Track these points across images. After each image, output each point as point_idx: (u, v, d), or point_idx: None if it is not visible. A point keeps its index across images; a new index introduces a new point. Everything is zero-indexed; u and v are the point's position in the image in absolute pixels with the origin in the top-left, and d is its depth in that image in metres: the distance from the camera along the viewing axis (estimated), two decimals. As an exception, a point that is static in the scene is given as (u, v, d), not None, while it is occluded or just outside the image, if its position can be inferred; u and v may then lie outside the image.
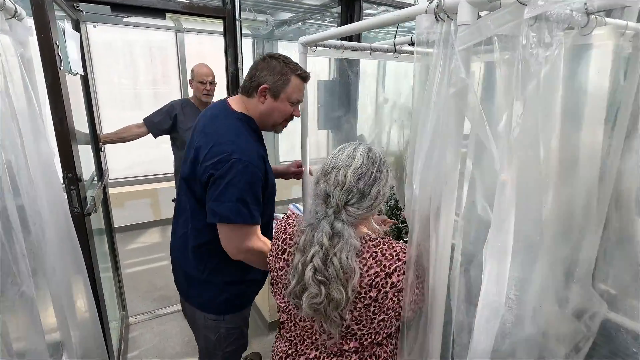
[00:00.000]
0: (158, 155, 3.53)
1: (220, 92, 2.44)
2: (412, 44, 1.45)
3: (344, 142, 0.87)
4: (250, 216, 1.06)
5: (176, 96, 3.95)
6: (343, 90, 2.56)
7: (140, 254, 3.33)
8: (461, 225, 0.78)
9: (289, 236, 0.88)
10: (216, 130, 1.11)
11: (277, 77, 1.12)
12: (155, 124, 2.33)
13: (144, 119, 2.34)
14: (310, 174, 1.50)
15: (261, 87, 1.12)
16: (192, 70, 2.37)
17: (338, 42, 1.39)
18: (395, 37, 1.54)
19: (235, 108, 1.17)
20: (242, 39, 2.11)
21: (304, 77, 1.18)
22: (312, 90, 2.47)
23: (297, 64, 1.17)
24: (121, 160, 3.70)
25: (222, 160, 1.03)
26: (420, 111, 0.80)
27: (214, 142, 1.07)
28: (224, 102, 1.21)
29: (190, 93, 2.47)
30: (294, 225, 0.89)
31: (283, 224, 0.93)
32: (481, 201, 0.75)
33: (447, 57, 0.74)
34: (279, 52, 3.68)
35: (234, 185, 1.02)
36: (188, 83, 2.45)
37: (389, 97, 2.80)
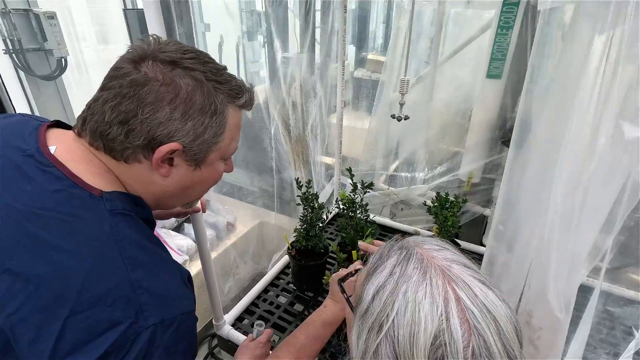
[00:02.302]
0: None
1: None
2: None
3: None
4: None
5: None
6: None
7: None
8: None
9: None
10: (64, 262, 0.44)
11: (203, 123, 0.51)
12: None
13: None
14: (203, 210, 0.88)
15: (165, 148, 0.49)
16: None
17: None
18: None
19: (93, 183, 0.49)
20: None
21: (249, 105, 0.57)
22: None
23: (225, 70, 0.55)
24: None
25: (118, 345, 0.42)
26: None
27: (74, 301, 0.42)
28: (45, 164, 0.48)
29: None
30: None
31: None
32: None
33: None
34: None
35: None
36: None
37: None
